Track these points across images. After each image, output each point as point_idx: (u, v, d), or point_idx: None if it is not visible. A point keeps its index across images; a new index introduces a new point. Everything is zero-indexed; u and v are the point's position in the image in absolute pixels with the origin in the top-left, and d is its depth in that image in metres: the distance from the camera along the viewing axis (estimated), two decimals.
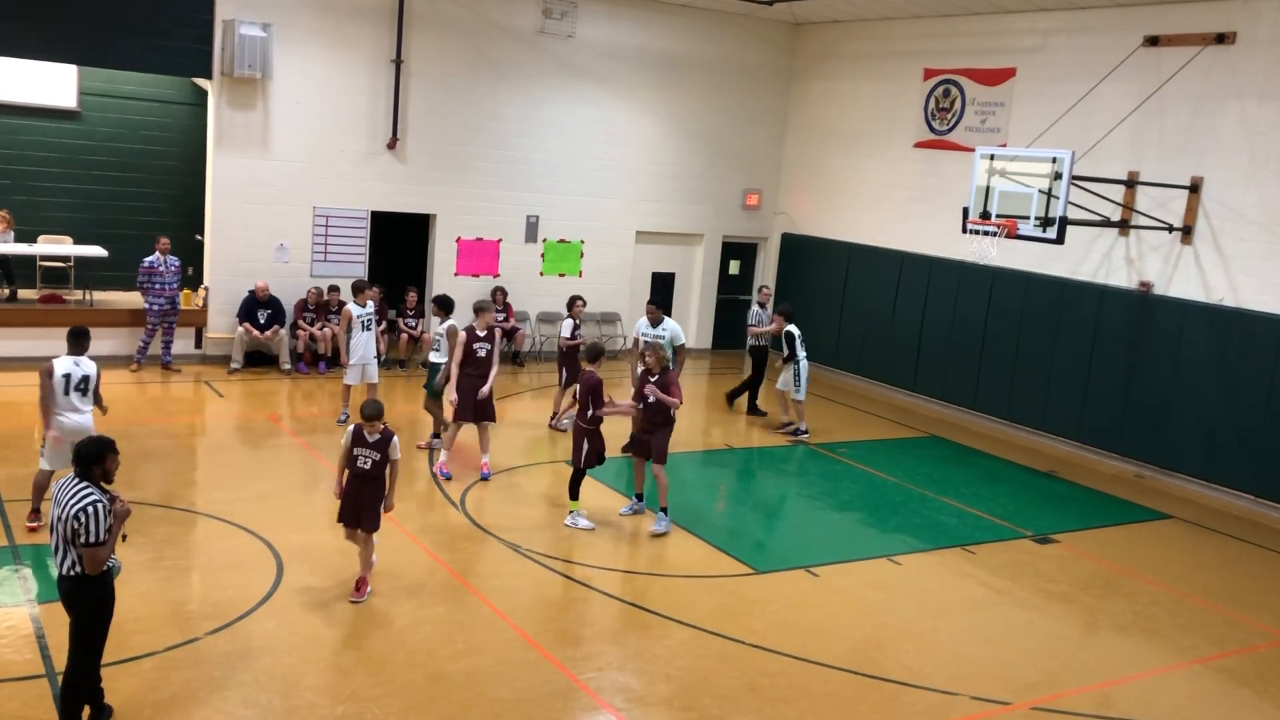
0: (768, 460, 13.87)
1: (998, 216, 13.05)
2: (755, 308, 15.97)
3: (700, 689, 7.61)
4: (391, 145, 16.52)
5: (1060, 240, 12.68)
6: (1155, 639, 9.25)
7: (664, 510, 10.57)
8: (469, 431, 12.07)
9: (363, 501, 8.38)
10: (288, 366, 15.83)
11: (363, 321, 12.98)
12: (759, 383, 15.83)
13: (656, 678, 7.73)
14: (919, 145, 17.39)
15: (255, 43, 14.97)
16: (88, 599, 6.15)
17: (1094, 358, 14.73)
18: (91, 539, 5.97)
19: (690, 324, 19.90)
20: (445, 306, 12.39)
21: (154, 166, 17.31)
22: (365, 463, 8.31)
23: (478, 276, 17.66)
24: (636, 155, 18.60)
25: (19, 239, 15.76)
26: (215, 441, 12.81)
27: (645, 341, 12.59)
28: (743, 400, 15.84)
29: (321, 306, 16.02)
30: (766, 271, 20.42)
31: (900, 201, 17.70)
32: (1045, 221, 12.62)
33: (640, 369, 11.19)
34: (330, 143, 16.11)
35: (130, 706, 6.67)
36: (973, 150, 14.04)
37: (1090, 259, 14.81)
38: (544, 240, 18.12)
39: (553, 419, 14.03)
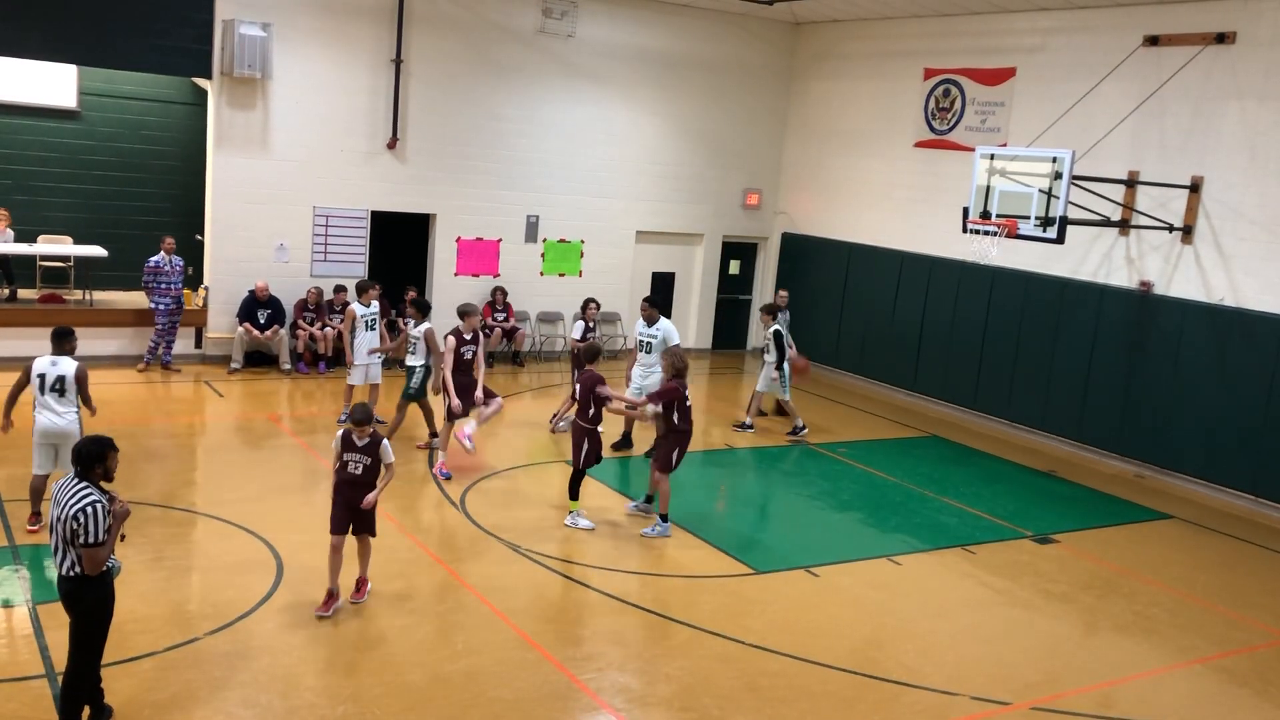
0: (768, 460, 13.87)
1: (998, 216, 13.05)
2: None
3: (700, 689, 7.61)
4: (391, 145, 16.52)
5: (1060, 240, 12.68)
6: (1155, 639, 9.25)
7: (663, 518, 10.56)
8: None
9: (356, 508, 8.22)
10: (288, 366, 15.84)
11: (367, 321, 13.00)
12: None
13: (656, 678, 7.73)
14: (919, 145, 17.39)
15: (255, 42, 14.98)
16: (87, 599, 6.15)
17: (1094, 358, 14.73)
18: (91, 539, 5.97)
19: (690, 324, 19.91)
20: (422, 309, 12.46)
21: (154, 166, 17.31)
22: (356, 468, 8.16)
23: (478, 276, 17.66)
24: (636, 155, 18.60)
25: (19, 239, 15.77)
26: (215, 441, 12.81)
27: (650, 344, 12.70)
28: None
29: (322, 306, 16.02)
30: (766, 271, 20.43)
31: (900, 201, 17.70)
32: (1045, 221, 12.61)
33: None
34: (330, 143, 16.11)
35: (130, 707, 6.68)
36: (973, 150, 14.03)
37: (1090, 259, 14.81)
38: (544, 240, 18.12)
39: (554, 419, 14.02)
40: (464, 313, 11.77)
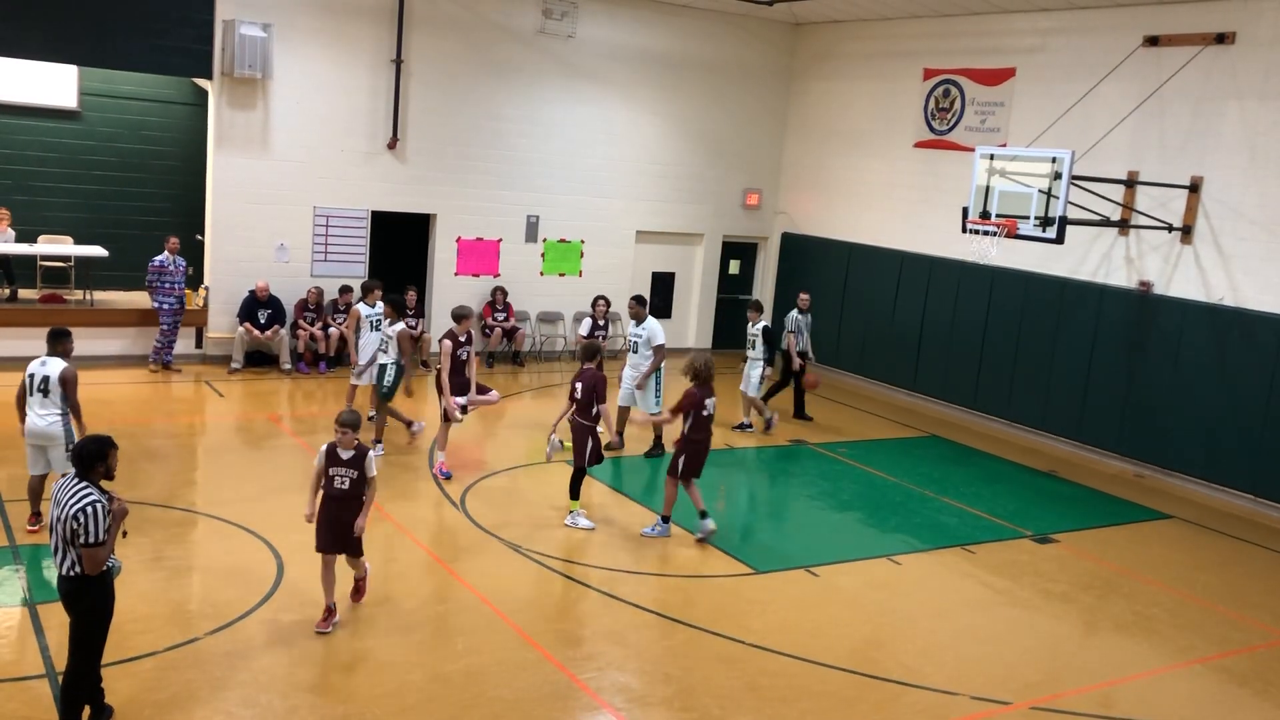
0: (768, 460, 13.87)
1: (998, 216, 13.05)
2: (794, 313, 15.44)
3: (700, 689, 7.61)
4: (392, 145, 16.53)
5: (1060, 240, 12.68)
6: (1155, 639, 9.25)
7: (664, 518, 10.54)
8: (466, 431, 12.06)
9: (345, 524, 7.85)
10: (288, 366, 15.84)
11: (371, 321, 12.99)
12: (799, 388, 15.72)
13: (656, 678, 7.73)
14: (919, 145, 17.39)
15: (255, 43, 14.98)
16: (87, 599, 6.15)
17: (1094, 358, 14.73)
18: (90, 539, 5.97)
19: (690, 324, 19.92)
20: (398, 308, 12.45)
21: (154, 166, 17.32)
22: (343, 482, 7.79)
23: (478, 276, 17.66)
24: (636, 155, 18.60)
25: (19, 239, 15.77)
26: (216, 441, 12.81)
27: (636, 343, 12.73)
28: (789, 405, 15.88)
29: (323, 306, 16.02)
30: (766, 271, 20.43)
31: (900, 201, 17.70)
32: (1045, 221, 12.62)
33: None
34: (330, 143, 16.12)
35: (130, 707, 6.68)
36: (972, 150, 14.04)
37: (1090, 259, 14.81)
38: (544, 240, 18.12)
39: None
40: (459, 315, 11.75)
